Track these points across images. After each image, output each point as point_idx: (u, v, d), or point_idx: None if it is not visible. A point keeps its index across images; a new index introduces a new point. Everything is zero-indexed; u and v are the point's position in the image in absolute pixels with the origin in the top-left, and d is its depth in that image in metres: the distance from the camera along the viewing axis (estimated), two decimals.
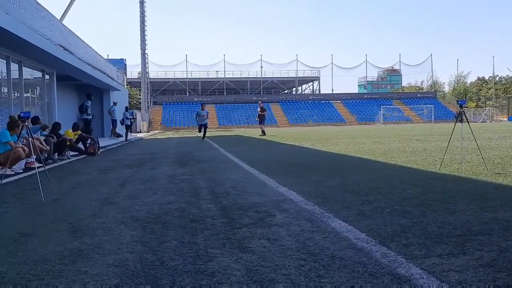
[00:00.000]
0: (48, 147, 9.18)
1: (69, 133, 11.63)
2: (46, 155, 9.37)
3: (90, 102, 17.73)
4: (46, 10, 13.09)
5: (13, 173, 7.52)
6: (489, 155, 8.07)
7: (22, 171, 7.90)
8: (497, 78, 79.53)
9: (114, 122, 22.02)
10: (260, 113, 24.36)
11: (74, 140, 11.52)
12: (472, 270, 2.30)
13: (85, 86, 22.49)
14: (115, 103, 22.24)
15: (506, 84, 78.92)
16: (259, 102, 26.92)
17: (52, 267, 2.56)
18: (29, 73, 14.78)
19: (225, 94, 68.06)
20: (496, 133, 18.24)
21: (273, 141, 16.85)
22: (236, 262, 2.55)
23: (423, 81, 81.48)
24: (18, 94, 13.63)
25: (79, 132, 12.21)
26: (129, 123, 22.58)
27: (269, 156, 10.45)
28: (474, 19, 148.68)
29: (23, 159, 7.89)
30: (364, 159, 8.44)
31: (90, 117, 17.38)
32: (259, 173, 6.60)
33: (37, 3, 12.30)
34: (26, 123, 5.83)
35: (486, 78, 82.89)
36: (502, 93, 73.34)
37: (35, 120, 10.19)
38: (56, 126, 11.06)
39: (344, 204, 4.11)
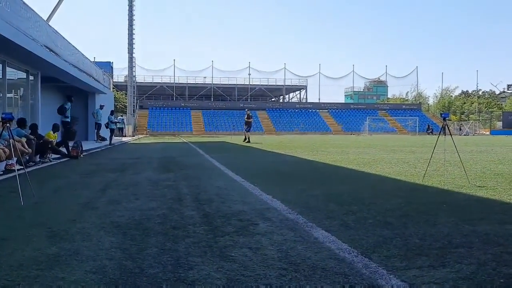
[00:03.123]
0: (29, 150, 9.02)
1: (50, 135, 11.45)
2: (27, 157, 9.22)
3: (70, 104, 16.97)
4: (33, 10, 12.94)
5: None
6: (470, 168, 8.19)
7: (1, 172, 7.73)
8: (480, 92, 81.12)
9: (98, 125, 21.76)
10: (246, 120, 24.42)
11: (55, 142, 11.35)
12: (451, 282, 2.31)
13: (70, 88, 22.21)
14: (101, 106, 22.00)
15: (489, 98, 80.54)
16: (246, 110, 27.00)
17: (28, 272, 2.50)
18: (13, 74, 14.55)
19: (212, 100, 67.99)
20: (478, 146, 18.54)
21: (258, 149, 16.85)
22: (217, 271, 2.53)
23: (407, 91, 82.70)
24: (1, 95, 13.40)
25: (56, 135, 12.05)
26: (114, 127, 22.36)
27: (254, 163, 10.44)
28: (460, 34, 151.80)
29: (3, 160, 7.74)
30: (348, 169, 8.48)
31: (69, 119, 16.95)
32: (244, 181, 6.58)
33: (23, 3, 12.15)
34: (8, 125, 5.72)
35: (470, 92, 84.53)
36: (485, 107, 74.74)
37: (22, 122, 10.02)
38: (34, 127, 10.85)
39: (327, 214, 4.12)
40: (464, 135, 51.00)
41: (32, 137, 9.85)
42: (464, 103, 78.29)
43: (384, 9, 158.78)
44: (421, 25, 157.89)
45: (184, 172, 8.09)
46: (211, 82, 70.22)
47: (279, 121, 60.31)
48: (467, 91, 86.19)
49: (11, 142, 6.68)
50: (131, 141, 27.54)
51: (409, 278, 2.38)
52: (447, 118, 6.90)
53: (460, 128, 57.01)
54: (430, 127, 55.13)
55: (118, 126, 21.97)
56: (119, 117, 34.93)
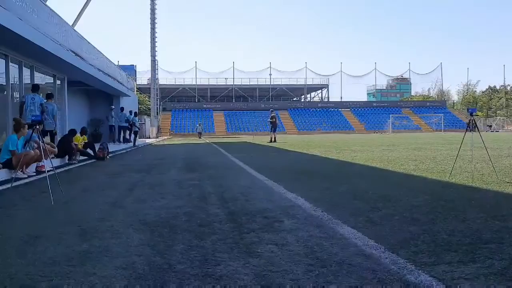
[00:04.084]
0: (56, 149, 9.34)
1: (77, 137, 11.74)
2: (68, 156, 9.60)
3: (39, 98, 11.50)
4: (59, 16, 13.26)
5: (26, 176, 7.60)
6: (499, 164, 7.99)
7: (34, 174, 7.97)
8: (508, 88, 78.93)
9: (111, 127, 22.02)
10: (270, 120, 24.64)
11: (82, 145, 11.66)
12: (482, 278, 2.27)
13: (96, 92, 22.70)
14: (112, 109, 22.20)
15: None
16: (270, 110, 27.09)
17: (61, 268, 2.58)
18: (40, 78, 14.94)
19: (233, 101, 68.31)
20: (507, 142, 18.06)
21: (281, 148, 16.84)
22: (243, 266, 2.55)
23: (429, 88, 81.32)
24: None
25: (86, 138, 12.38)
26: (137, 129, 22.67)
27: (277, 162, 10.44)
28: (485, 28, 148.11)
29: (35, 162, 7.97)
30: (372, 167, 8.39)
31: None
32: (267, 179, 6.60)
33: (50, 9, 12.47)
34: (38, 127, 5.89)
35: (497, 87, 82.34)
36: None
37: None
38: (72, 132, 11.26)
39: (352, 211, 4.09)
40: (491, 131, 49.78)
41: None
42: (491, 98, 76.37)
43: (407, 5, 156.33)
44: (445, 20, 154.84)
45: (208, 172, 8.16)
46: (232, 83, 70.57)
47: (301, 121, 60.14)
48: (494, 86, 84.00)
49: (40, 144, 6.88)
50: (155, 143, 27.92)
51: (438, 273, 2.35)
52: (474, 114, 6.76)
53: (491, 124, 55.86)
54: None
55: (133, 130, 22.02)
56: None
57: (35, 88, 11.12)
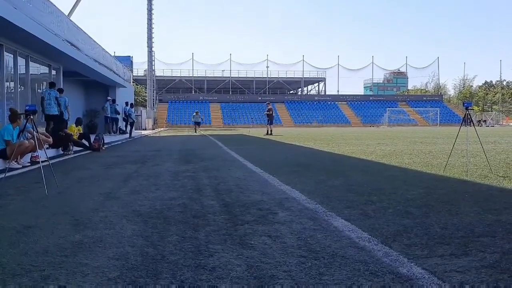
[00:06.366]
0: (50, 139, 9.28)
1: (72, 128, 11.69)
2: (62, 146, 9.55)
3: (54, 92, 12.80)
4: (54, 5, 13.14)
5: (21, 166, 7.57)
6: (494, 158, 8.02)
7: (29, 164, 7.93)
8: (504, 83, 79.10)
9: (107, 118, 21.97)
10: (266, 113, 24.69)
11: (77, 135, 11.60)
12: (474, 271, 2.28)
13: (91, 82, 22.56)
14: (108, 100, 22.13)
15: None
16: (267, 103, 27.04)
17: (53, 258, 2.57)
18: (36, 68, 14.83)
19: (230, 93, 68.11)
20: (502, 137, 18.13)
21: (277, 141, 16.84)
22: (237, 258, 2.55)
23: (427, 82, 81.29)
24: (24, 89, 13.68)
25: (81, 129, 12.31)
26: (133, 120, 22.59)
27: (273, 155, 10.43)
28: (482, 23, 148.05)
29: (29, 152, 7.92)
30: (368, 161, 8.41)
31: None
32: (263, 172, 6.59)
33: None
34: (32, 117, 5.85)
35: (493, 82, 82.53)
36: (509, 98, 72.96)
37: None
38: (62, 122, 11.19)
39: (347, 203, 4.10)
40: (486, 126, 49.93)
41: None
42: (487, 93, 76.55)
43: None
44: (442, 14, 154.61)
45: (204, 163, 8.15)
46: (229, 76, 70.31)
47: (297, 114, 60.09)
48: (491, 81, 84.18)
49: (34, 134, 6.83)
50: (151, 134, 27.84)
51: (430, 266, 2.36)
52: (469, 108, 6.76)
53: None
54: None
55: (129, 121, 22.10)
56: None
57: (52, 85, 13.14)
